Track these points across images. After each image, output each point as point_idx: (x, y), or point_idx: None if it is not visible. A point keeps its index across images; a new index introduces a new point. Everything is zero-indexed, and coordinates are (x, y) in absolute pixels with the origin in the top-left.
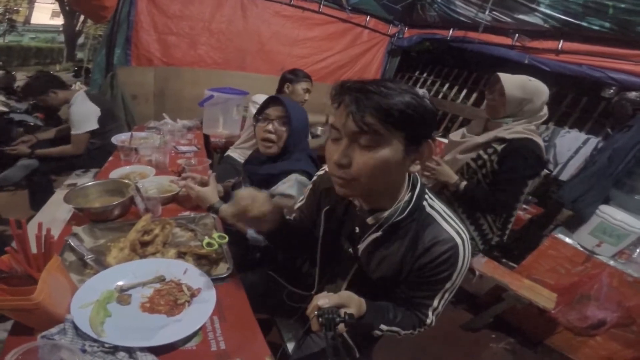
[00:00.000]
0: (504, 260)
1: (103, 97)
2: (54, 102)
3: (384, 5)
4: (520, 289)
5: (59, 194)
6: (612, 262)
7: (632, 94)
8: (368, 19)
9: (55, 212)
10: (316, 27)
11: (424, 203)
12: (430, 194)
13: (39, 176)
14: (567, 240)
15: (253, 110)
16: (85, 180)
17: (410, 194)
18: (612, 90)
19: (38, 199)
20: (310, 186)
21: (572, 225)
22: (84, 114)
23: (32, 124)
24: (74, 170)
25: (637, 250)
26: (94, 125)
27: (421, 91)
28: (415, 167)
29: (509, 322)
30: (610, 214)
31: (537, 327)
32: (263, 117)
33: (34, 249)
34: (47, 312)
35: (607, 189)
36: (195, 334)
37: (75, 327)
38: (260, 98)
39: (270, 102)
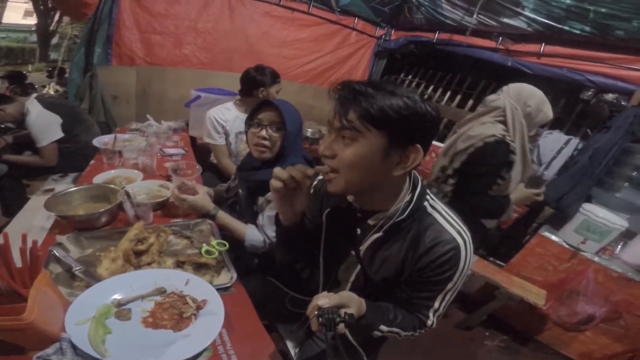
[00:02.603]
0: (491, 258)
1: (61, 100)
2: (7, 118)
3: (372, 8)
4: (511, 287)
5: (35, 200)
6: (596, 259)
7: (609, 96)
8: (356, 21)
9: (32, 219)
10: (305, 28)
11: (425, 203)
12: (431, 195)
13: (9, 181)
14: (554, 237)
15: (214, 127)
16: (64, 185)
17: (410, 194)
18: (590, 93)
19: (10, 205)
20: (311, 191)
21: (556, 223)
22: (42, 125)
23: (2, 126)
24: (49, 175)
25: (619, 246)
26: (57, 135)
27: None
28: (400, 171)
29: (500, 319)
30: (593, 211)
31: (529, 323)
32: (255, 123)
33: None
34: (40, 331)
35: (589, 188)
36: (205, 348)
37: (74, 347)
38: (220, 113)
39: (262, 106)
